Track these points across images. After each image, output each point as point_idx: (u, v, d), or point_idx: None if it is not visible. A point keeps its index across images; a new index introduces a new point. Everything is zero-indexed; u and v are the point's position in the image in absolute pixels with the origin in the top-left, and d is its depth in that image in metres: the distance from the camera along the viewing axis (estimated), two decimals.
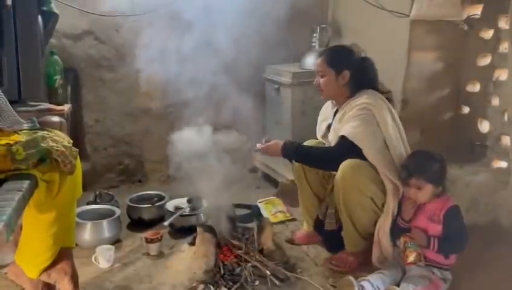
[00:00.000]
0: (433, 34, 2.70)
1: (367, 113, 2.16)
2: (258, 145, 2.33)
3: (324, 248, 2.40)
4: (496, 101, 2.59)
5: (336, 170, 2.17)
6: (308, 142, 2.42)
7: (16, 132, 1.55)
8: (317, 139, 2.48)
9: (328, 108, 2.45)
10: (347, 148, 2.13)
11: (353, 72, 2.25)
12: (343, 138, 2.16)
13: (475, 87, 2.74)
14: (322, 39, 3.23)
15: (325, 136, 2.42)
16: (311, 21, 3.35)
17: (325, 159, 2.23)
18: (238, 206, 2.74)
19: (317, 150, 2.30)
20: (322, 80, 2.29)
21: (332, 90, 2.28)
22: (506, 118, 2.34)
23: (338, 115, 2.28)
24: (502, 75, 2.53)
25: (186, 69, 3.34)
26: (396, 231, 2.07)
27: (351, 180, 2.11)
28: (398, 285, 1.96)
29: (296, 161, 2.37)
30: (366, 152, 2.12)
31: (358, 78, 2.26)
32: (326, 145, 2.37)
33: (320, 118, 2.50)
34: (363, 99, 2.20)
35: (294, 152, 2.27)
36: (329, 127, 2.38)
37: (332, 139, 2.30)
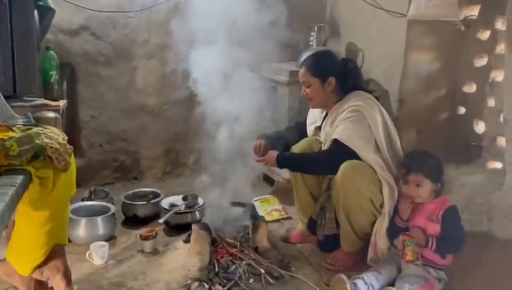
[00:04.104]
0: (430, 34, 2.70)
1: (357, 114, 2.16)
2: (256, 158, 2.35)
3: (318, 247, 2.40)
4: (491, 102, 2.59)
5: (333, 173, 2.16)
6: (304, 141, 2.42)
7: (10, 128, 1.54)
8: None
9: (316, 111, 2.45)
10: (340, 151, 2.13)
11: (338, 77, 2.25)
12: (335, 142, 2.15)
13: (471, 88, 2.75)
14: (319, 38, 3.23)
15: (315, 136, 2.45)
16: (309, 19, 3.35)
17: (320, 164, 2.22)
18: (233, 204, 2.74)
19: (311, 156, 2.29)
20: (308, 90, 2.29)
21: (320, 98, 2.29)
22: (501, 119, 2.35)
23: (329, 119, 2.28)
24: (498, 76, 2.54)
25: (182, 67, 3.35)
26: (394, 231, 2.08)
27: (350, 182, 2.11)
28: (392, 283, 1.97)
29: (293, 171, 2.40)
30: (360, 153, 2.13)
31: (344, 82, 2.27)
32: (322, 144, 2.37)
33: (309, 121, 2.51)
34: (353, 101, 2.21)
35: (289, 163, 2.29)
36: (318, 129, 2.40)
37: (324, 142, 2.31)
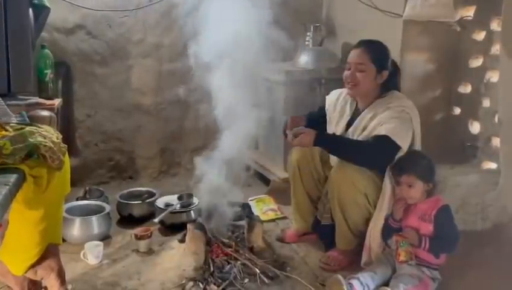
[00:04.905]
0: (425, 35, 2.70)
1: (406, 116, 2.14)
2: (289, 138, 2.19)
3: (323, 245, 2.40)
4: (486, 103, 2.60)
5: (372, 166, 2.12)
6: None
7: (3, 127, 1.53)
8: None
9: (343, 102, 2.36)
10: (388, 146, 2.08)
11: (389, 72, 2.22)
12: (385, 138, 2.07)
13: (467, 89, 2.76)
14: (315, 38, 3.23)
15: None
16: (305, 19, 3.35)
17: (364, 153, 2.11)
18: (229, 203, 2.74)
19: (356, 142, 2.17)
20: (360, 74, 2.18)
21: (368, 87, 2.20)
22: (496, 119, 2.35)
23: (368, 114, 2.20)
24: (493, 76, 2.55)
25: (178, 66, 3.34)
26: (387, 231, 2.08)
27: (345, 175, 2.11)
28: (387, 283, 1.97)
29: (329, 152, 2.27)
30: (399, 155, 2.10)
31: (389, 80, 2.23)
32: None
33: (336, 114, 2.37)
34: (399, 101, 2.18)
35: (329, 143, 2.17)
36: (348, 124, 2.30)
37: (356, 136, 2.23)
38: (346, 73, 2.24)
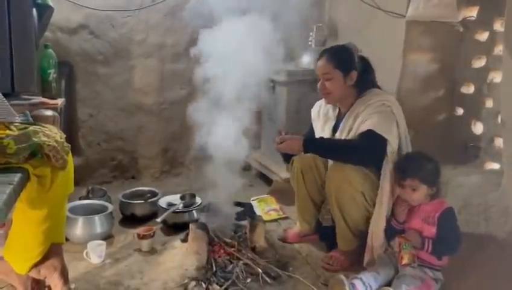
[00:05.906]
0: (428, 35, 2.70)
1: (386, 109, 2.14)
2: (278, 141, 2.22)
3: (325, 245, 2.40)
4: (489, 103, 2.59)
5: (365, 164, 2.13)
6: None
7: (7, 126, 1.54)
8: None
9: (326, 109, 2.40)
10: (375, 141, 2.08)
11: (358, 71, 2.22)
12: (370, 132, 2.09)
13: (469, 89, 2.75)
14: (318, 38, 3.23)
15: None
16: (308, 19, 3.35)
17: (353, 152, 2.12)
18: (234, 203, 2.75)
19: (344, 142, 2.20)
20: (328, 83, 2.22)
21: (340, 92, 2.22)
22: (499, 120, 2.35)
23: (350, 116, 2.21)
24: (496, 77, 2.54)
25: (181, 67, 3.35)
26: (390, 233, 2.08)
27: (342, 175, 2.12)
28: (390, 283, 1.97)
29: (320, 156, 2.28)
30: (389, 148, 2.10)
31: (362, 78, 2.23)
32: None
33: (320, 121, 2.42)
34: (378, 97, 2.19)
35: (317, 147, 2.19)
36: (333, 128, 2.33)
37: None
38: (318, 84, 2.28)
